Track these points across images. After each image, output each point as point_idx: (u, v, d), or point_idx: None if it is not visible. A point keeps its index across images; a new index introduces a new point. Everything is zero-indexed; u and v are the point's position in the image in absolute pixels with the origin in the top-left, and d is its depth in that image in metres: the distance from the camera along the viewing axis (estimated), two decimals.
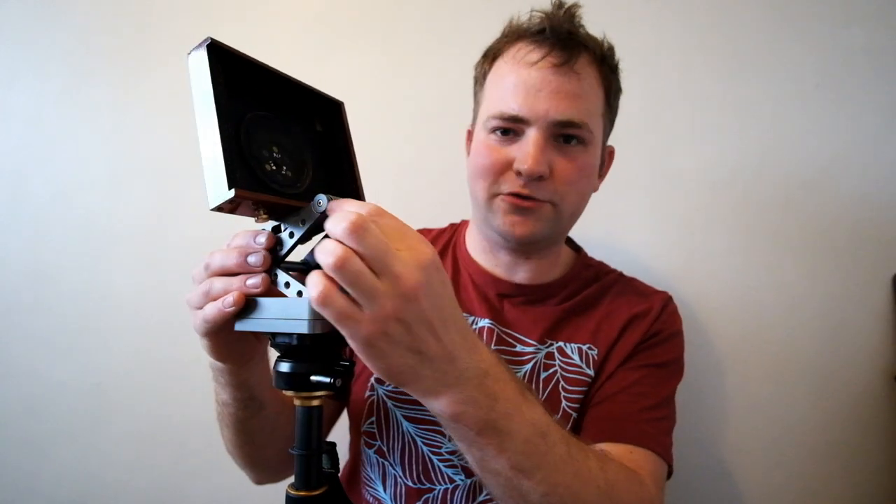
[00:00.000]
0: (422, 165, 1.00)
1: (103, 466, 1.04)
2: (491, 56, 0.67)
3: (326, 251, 0.34)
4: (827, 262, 0.93)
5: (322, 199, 0.39)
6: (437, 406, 0.40)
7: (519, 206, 0.61)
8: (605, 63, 0.64)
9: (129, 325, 1.04)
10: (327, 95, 0.48)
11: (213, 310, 0.41)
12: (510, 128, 0.62)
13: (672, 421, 0.65)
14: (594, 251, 0.80)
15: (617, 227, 0.97)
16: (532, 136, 0.60)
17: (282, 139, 0.43)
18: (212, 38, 0.38)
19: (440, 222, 0.83)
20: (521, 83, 0.60)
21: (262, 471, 0.66)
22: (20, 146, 1.07)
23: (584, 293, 0.70)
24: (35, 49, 1.07)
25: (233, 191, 0.36)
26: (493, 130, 0.63)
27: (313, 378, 0.41)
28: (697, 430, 0.94)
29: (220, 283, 0.41)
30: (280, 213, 0.41)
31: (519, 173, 0.60)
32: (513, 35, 0.64)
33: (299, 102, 0.47)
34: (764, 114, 0.94)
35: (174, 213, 1.04)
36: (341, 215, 0.35)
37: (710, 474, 0.94)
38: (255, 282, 0.40)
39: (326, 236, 0.37)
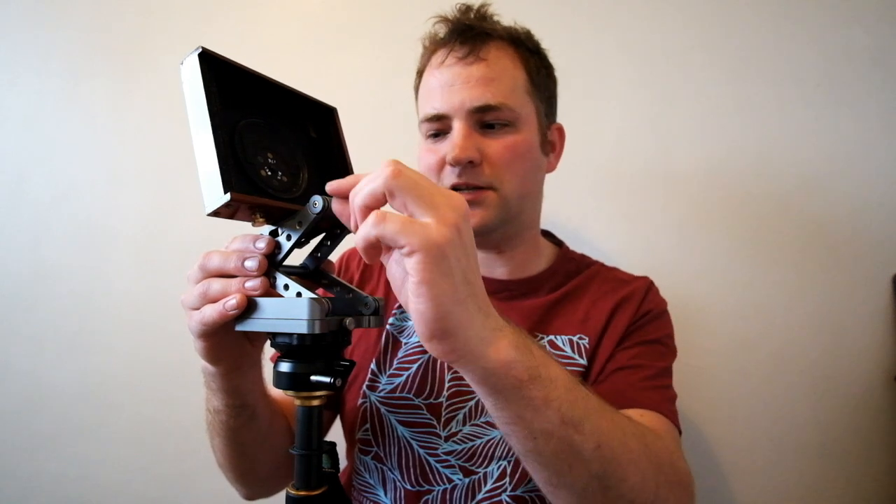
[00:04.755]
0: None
1: (103, 467, 1.04)
2: (419, 73, 0.71)
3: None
4: (827, 262, 0.93)
5: (318, 199, 0.39)
6: (491, 354, 0.36)
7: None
8: (520, 44, 0.66)
9: (129, 326, 1.04)
10: (320, 102, 0.48)
11: (212, 311, 0.41)
12: (439, 128, 0.65)
13: (673, 393, 0.65)
14: (592, 251, 0.80)
15: (615, 226, 0.97)
16: (456, 127, 0.63)
17: (276, 145, 0.43)
18: (203, 47, 0.38)
19: None
20: (436, 84, 0.65)
21: (252, 484, 0.64)
22: (20, 146, 1.07)
23: (569, 285, 0.70)
24: (35, 49, 1.07)
25: (228, 194, 0.36)
26: (428, 134, 0.67)
27: (313, 378, 0.41)
28: (697, 431, 0.94)
29: (217, 285, 0.41)
30: (277, 216, 0.42)
31: (452, 165, 0.62)
32: (428, 48, 0.69)
33: (293, 109, 0.47)
34: (764, 113, 0.94)
35: (174, 214, 1.04)
36: (375, 172, 0.35)
37: (710, 475, 0.93)
38: (253, 284, 0.40)
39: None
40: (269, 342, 0.44)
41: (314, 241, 0.47)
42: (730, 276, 0.94)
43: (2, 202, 1.07)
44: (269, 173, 0.41)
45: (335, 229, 0.46)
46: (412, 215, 0.34)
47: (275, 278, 0.41)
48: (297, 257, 0.47)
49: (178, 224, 1.04)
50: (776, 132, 0.94)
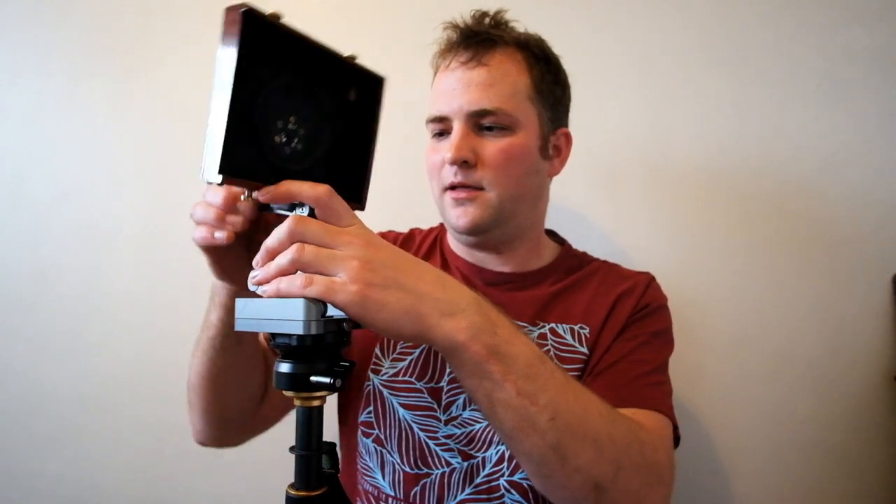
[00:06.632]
0: (422, 166, 1.00)
1: (102, 467, 1.04)
2: (434, 73, 0.73)
3: (281, 254, 0.39)
4: (826, 262, 0.93)
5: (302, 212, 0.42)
6: (450, 336, 0.41)
7: (456, 198, 0.66)
8: (527, 50, 0.68)
9: (129, 326, 1.04)
10: (369, 71, 0.49)
11: (198, 233, 0.45)
12: (442, 129, 0.68)
13: (670, 387, 0.66)
14: (591, 249, 0.80)
15: (615, 226, 0.97)
16: (455, 128, 0.65)
17: (303, 109, 0.43)
18: (248, 6, 0.37)
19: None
20: (441, 88, 0.68)
21: (212, 421, 0.63)
22: (20, 146, 1.07)
23: (570, 278, 0.72)
24: (35, 49, 1.07)
25: (220, 177, 0.37)
26: (433, 134, 0.70)
27: (313, 379, 0.41)
28: (697, 431, 0.94)
29: (199, 211, 0.45)
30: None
31: (450, 164, 0.65)
32: (440, 52, 0.71)
33: (335, 73, 0.46)
34: (764, 113, 0.94)
35: (174, 214, 1.04)
36: (278, 229, 0.39)
37: (710, 475, 0.94)
38: (234, 219, 0.44)
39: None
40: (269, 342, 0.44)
41: None
42: (729, 276, 0.94)
43: (2, 202, 1.07)
44: (284, 140, 0.41)
45: None
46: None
47: None
48: None
49: (178, 224, 1.03)
50: (776, 132, 0.94)
